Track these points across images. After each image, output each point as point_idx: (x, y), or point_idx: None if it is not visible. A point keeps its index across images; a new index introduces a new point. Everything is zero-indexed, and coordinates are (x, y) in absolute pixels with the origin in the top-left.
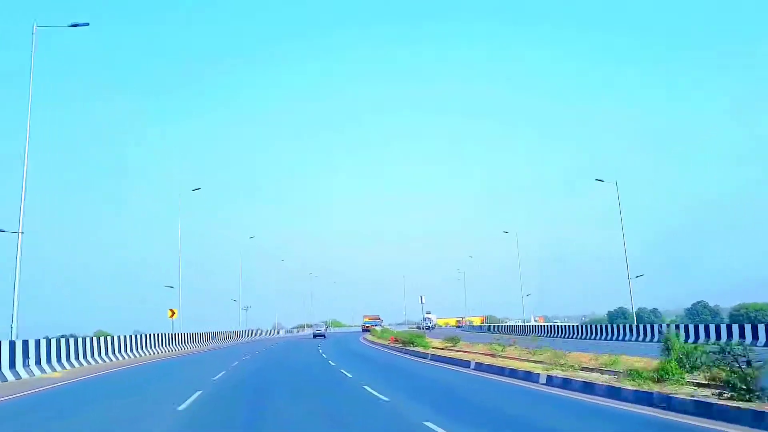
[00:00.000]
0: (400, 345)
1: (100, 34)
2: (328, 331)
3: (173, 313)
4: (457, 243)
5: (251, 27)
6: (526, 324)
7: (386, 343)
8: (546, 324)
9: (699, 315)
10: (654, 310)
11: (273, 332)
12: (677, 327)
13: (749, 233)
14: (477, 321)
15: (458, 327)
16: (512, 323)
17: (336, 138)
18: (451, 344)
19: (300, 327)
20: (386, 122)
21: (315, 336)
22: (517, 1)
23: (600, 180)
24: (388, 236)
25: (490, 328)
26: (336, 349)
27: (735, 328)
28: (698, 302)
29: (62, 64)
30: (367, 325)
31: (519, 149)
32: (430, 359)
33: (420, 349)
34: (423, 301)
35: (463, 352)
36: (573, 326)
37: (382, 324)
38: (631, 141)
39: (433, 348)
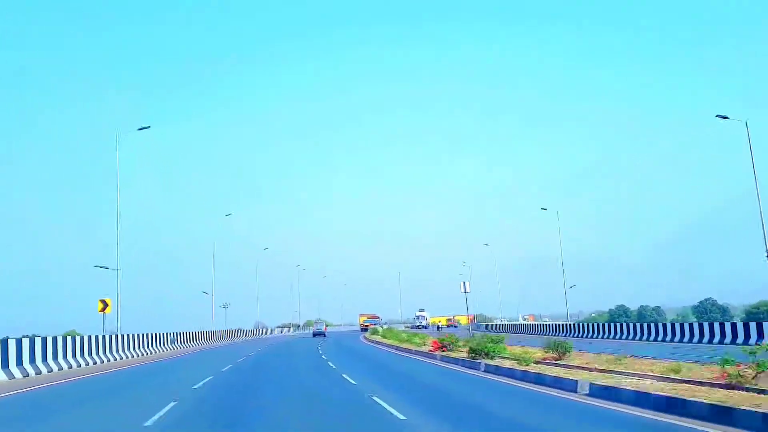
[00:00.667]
0: (465, 356)
1: (101, 34)
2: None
3: (105, 306)
4: (455, 243)
5: (251, 27)
6: (541, 322)
7: (422, 349)
8: (549, 323)
9: (707, 313)
10: (657, 308)
11: (256, 332)
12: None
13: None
14: (464, 320)
15: (450, 326)
16: (498, 322)
17: (335, 138)
18: (556, 355)
19: (285, 326)
20: (386, 122)
21: (315, 335)
22: (518, 1)
23: (723, 117)
24: (384, 236)
25: (496, 327)
26: (354, 360)
27: (753, 326)
28: (706, 299)
29: (61, 64)
30: (366, 323)
31: (519, 148)
32: (589, 395)
33: (514, 364)
34: (467, 290)
35: (599, 371)
36: (581, 325)
37: (381, 323)
38: (637, 138)
39: (538, 365)
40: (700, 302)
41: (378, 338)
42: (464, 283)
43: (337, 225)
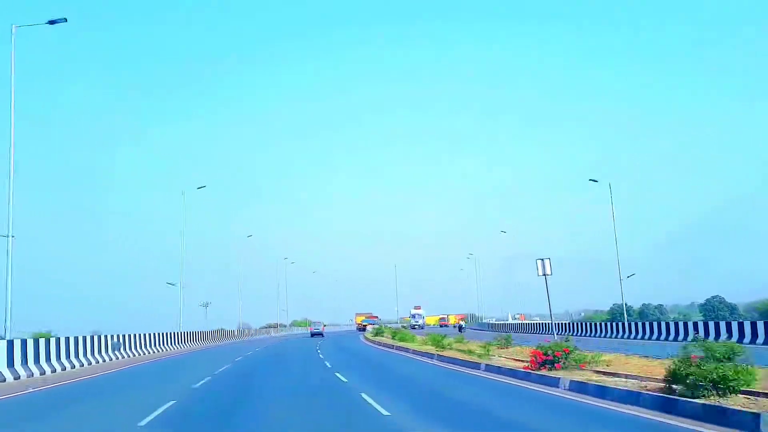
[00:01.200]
0: (658, 387)
1: (101, 34)
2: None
3: None
4: (451, 243)
5: (251, 27)
6: (540, 321)
7: (501, 363)
8: (548, 322)
9: (715, 311)
10: (659, 306)
11: (238, 334)
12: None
13: None
14: (452, 319)
15: (443, 326)
16: (486, 321)
17: (335, 138)
18: None
19: (271, 327)
20: (385, 122)
21: (313, 335)
22: (518, 1)
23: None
24: (380, 235)
25: (500, 327)
26: (405, 389)
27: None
28: (713, 297)
29: (61, 63)
30: (364, 323)
31: (519, 148)
32: None
33: None
34: (547, 272)
35: None
36: (584, 324)
37: (380, 322)
38: (637, 138)
39: None
40: (707, 300)
41: (387, 340)
42: (542, 261)
43: (333, 224)
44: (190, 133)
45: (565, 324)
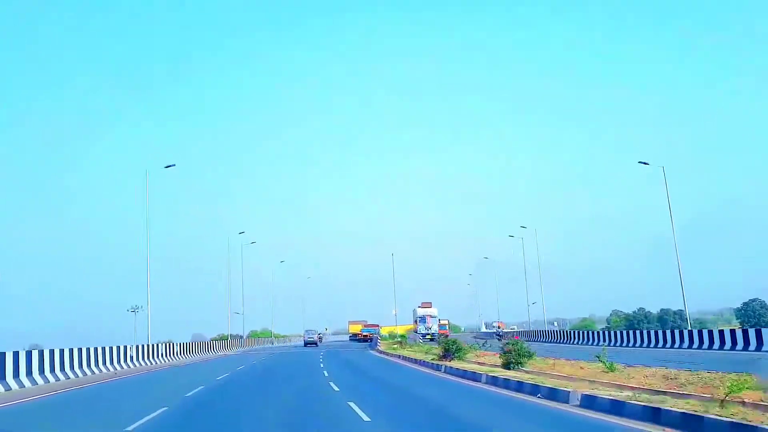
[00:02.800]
0: None
1: (97, 31)
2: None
3: None
4: (446, 243)
5: (251, 26)
6: (543, 329)
7: None
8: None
9: (755, 315)
10: (679, 312)
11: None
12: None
13: None
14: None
15: (442, 334)
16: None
17: (331, 136)
18: None
19: (222, 338)
20: (384, 121)
21: (306, 344)
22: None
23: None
24: (359, 238)
25: (506, 334)
26: None
27: None
28: (753, 300)
29: (57, 61)
30: (365, 333)
31: (518, 151)
32: None
33: None
34: None
35: None
36: (587, 332)
37: (379, 331)
38: (659, 130)
39: None
40: (745, 303)
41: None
42: None
43: (316, 224)
44: (189, 132)
45: (574, 333)
